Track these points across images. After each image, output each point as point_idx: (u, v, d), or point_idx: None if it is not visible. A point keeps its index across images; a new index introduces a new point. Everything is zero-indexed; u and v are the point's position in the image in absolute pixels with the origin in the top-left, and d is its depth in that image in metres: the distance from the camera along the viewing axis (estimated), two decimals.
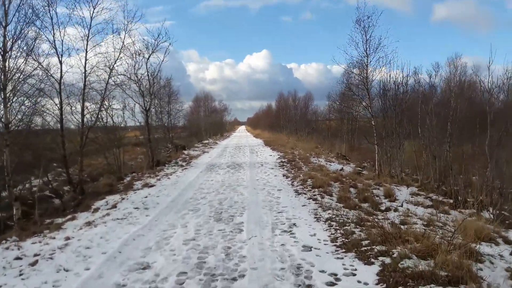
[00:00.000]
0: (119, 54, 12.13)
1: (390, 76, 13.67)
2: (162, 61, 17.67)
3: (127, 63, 16.49)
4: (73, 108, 11.85)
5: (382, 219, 7.18)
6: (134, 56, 16.63)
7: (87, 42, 11.78)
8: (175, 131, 34.46)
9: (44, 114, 11.03)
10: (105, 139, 17.07)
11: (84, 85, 11.83)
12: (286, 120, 49.78)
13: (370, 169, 16.31)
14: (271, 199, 9.31)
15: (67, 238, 6.00)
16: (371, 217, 7.20)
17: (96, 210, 8.79)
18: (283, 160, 17.93)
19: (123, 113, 16.76)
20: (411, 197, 10.46)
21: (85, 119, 12.03)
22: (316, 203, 8.57)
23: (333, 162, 17.95)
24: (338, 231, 6.17)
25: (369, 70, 13.61)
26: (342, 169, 15.08)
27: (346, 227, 6.31)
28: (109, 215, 7.93)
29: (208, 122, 52.28)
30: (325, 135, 36.46)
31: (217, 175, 13.87)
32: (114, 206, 8.83)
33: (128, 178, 13.99)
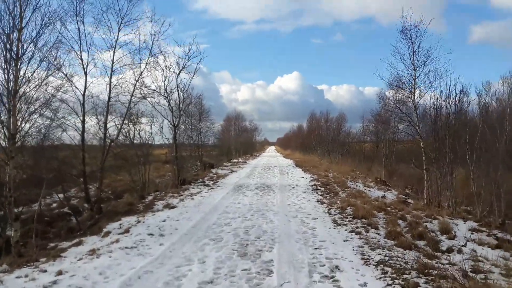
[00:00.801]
0: (145, 65, 11.45)
1: (441, 92, 12.14)
2: (193, 76, 17.02)
3: (157, 77, 15.97)
4: (97, 121, 11.17)
5: (448, 264, 5.70)
6: (164, 71, 16.08)
7: (114, 53, 11.19)
8: (205, 149, 33.84)
9: (65, 126, 10.38)
10: (131, 154, 16.43)
11: (109, 97, 11.17)
12: (317, 141, 48.24)
13: (415, 197, 14.59)
14: (305, 229, 8.00)
15: (59, 273, 4.97)
16: (434, 261, 5.74)
17: (107, 234, 7.82)
18: (316, 183, 16.52)
19: (151, 129, 16.11)
20: (471, 233, 8.81)
21: (108, 133, 11.29)
22: (360, 238, 7.17)
23: (373, 188, 16.36)
24: (396, 281, 4.78)
25: (416, 85, 12.18)
26: (384, 197, 13.51)
27: (406, 276, 4.91)
28: (118, 242, 6.90)
29: (239, 141, 51.61)
30: (360, 157, 34.62)
31: (245, 197, 12.71)
32: (127, 231, 7.81)
33: (150, 197, 13.09)
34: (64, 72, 9.88)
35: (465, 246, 7.11)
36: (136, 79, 11.29)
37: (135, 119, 16.23)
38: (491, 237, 8.92)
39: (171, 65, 15.90)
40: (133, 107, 11.36)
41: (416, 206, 11.37)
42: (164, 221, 8.78)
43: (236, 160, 36.39)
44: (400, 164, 29.11)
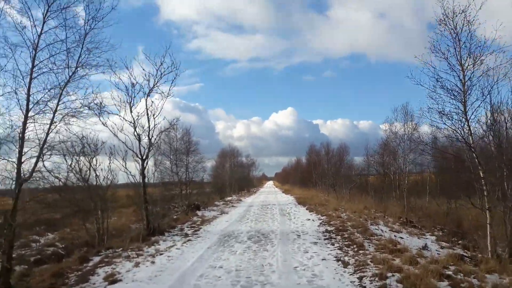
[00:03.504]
0: (76, 68, 7.87)
1: (500, 102, 8.68)
2: (167, 95, 13.55)
3: (119, 97, 12.59)
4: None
5: None
6: (129, 89, 12.74)
7: (35, 52, 7.70)
8: (194, 187, 30.01)
9: None
10: (85, 198, 12.68)
11: (26, 117, 7.56)
12: (319, 175, 44.59)
13: (465, 245, 10.80)
14: None
15: None
16: None
17: None
18: (328, 228, 12.66)
19: (109, 163, 12.39)
20: None
21: (22, 172, 7.56)
22: None
23: (401, 233, 12.52)
24: None
25: (467, 92, 8.72)
26: (426, 247, 9.71)
27: None
28: None
29: (233, 177, 47.76)
30: (369, 191, 30.81)
31: (231, 255, 8.86)
32: None
33: (98, 258, 9.16)
34: None
35: None
36: (62, 87, 7.70)
37: (92, 154, 12.64)
38: None
39: (136, 82, 12.54)
40: (53, 130, 7.61)
41: (488, 266, 7.52)
42: None
43: (229, 198, 32.41)
44: (412, 197, 25.32)
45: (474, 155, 8.59)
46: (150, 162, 13.51)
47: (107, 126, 12.40)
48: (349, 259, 8.11)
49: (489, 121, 8.88)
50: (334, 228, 12.45)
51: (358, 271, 7.11)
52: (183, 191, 26.91)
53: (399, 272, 6.75)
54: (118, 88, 12.56)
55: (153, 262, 8.33)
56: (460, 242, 12.30)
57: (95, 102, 8.96)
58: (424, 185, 30.09)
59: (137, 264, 8.19)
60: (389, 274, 6.69)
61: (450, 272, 6.92)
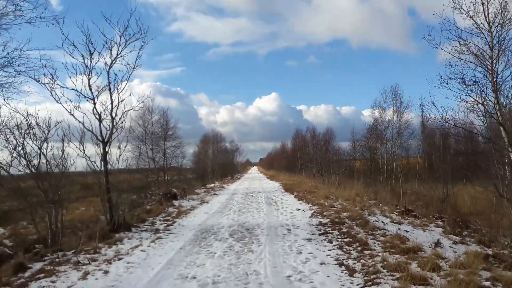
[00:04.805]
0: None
1: None
2: (134, 68, 11.61)
3: (74, 68, 10.54)
4: None
5: None
6: (86, 60, 10.68)
7: None
8: (171, 173, 28.15)
9: None
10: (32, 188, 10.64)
11: None
12: (305, 160, 43.31)
13: (482, 240, 9.34)
14: None
15: None
16: None
17: None
18: (322, 220, 11.05)
19: (63, 146, 10.31)
20: None
21: None
22: None
23: (402, 223, 11.05)
24: None
25: (495, 57, 7.08)
26: (439, 244, 8.19)
27: None
28: None
29: (216, 163, 45.89)
30: (358, 177, 29.52)
31: (208, 259, 7.13)
32: None
33: (38, 266, 7.28)
34: None
35: None
36: None
37: (43, 135, 10.55)
38: None
39: (94, 49, 10.50)
40: None
41: None
42: None
43: (212, 185, 30.62)
44: (399, 182, 24.18)
45: (504, 133, 7.02)
46: (115, 145, 11.51)
47: (60, 102, 10.47)
48: (355, 264, 6.49)
49: None
50: (328, 220, 10.85)
51: (370, 283, 5.47)
52: (160, 178, 25.03)
53: (425, 285, 5.15)
54: (72, 56, 10.49)
55: (106, 272, 6.51)
56: (466, 233, 10.92)
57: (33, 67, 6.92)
58: (413, 170, 29.12)
59: (85, 275, 6.37)
60: None
61: (487, 283, 5.36)
